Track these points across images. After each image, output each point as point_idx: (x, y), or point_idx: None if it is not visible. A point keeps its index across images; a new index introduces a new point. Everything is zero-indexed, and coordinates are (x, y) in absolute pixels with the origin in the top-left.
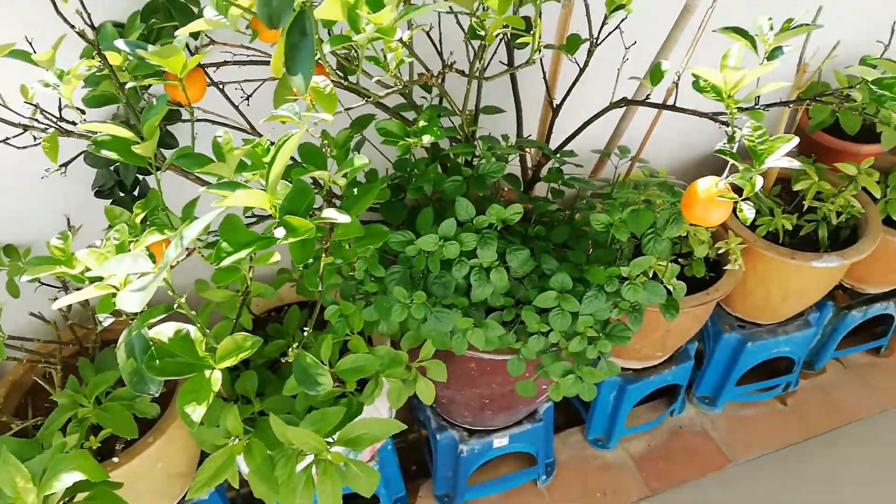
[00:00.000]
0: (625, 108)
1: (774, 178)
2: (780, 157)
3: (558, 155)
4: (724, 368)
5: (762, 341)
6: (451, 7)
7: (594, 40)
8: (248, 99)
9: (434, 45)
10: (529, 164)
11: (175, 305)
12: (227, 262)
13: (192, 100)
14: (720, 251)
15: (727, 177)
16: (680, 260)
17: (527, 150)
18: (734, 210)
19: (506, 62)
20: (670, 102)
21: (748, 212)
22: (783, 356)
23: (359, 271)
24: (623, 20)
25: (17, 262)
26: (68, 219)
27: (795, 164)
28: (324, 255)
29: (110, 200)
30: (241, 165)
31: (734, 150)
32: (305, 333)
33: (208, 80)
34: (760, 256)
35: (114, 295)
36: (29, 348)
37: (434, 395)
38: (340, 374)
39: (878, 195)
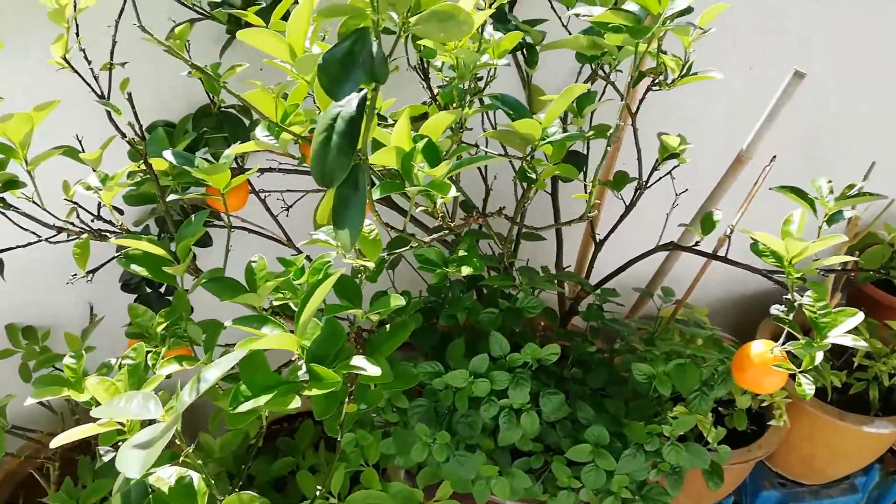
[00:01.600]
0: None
1: None
2: (843, 333)
3: (599, 292)
4: None
5: (805, 503)
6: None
7: (643, 183)
8: (288, 210)
9: (480, 173)
10: (567, 295)
11: (181, 457)
12: (244, 408)
13: (233, 209)
14: (763, 403)
15: (783, 343)
16: (720, 409)
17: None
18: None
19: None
20: (721, 253)
21: (807, 387)
22: None
23: (382, 401)
24: (675, 167)
25: (34, 345)
26: (91, 307)
27: (861, 343)
28: (347, 400)
29: (136, 295)
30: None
31: (790, 317)
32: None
33: (250, 189)
34: (807, 413)
35: (119, 433)
36: (31, 437)
37: None
38: None
39: None
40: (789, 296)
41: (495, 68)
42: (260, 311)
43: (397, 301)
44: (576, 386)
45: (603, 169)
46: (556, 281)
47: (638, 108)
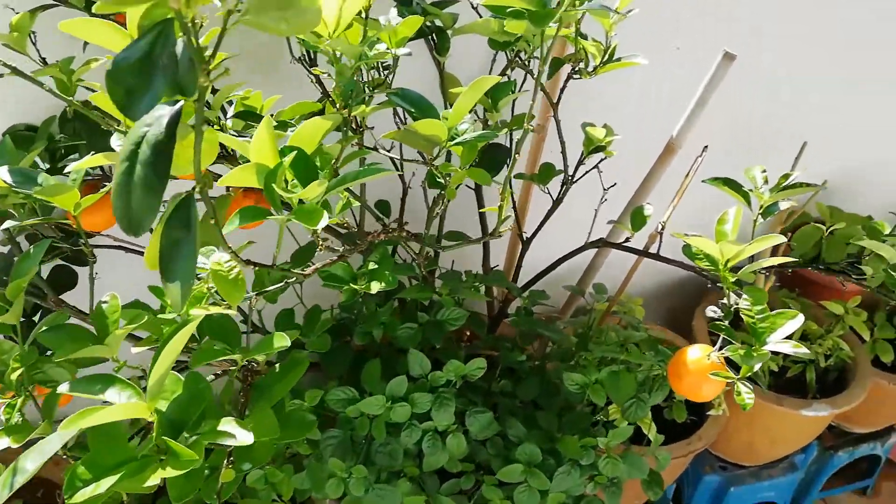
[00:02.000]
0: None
1: None
2: (783, 339)
3: (527, 295)
4: None
5: (746, 486)
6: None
7: (569, 178)
8: None
9: (396, 167)
10: (496, 297)
11: None
12: (81, 496)
13: (99, 228)
14: None
15: (720, 348)
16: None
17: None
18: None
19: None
20: (653, 249)
21: (747, 396)
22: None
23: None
24: (602, 160)
25: None
26: None
27: (802, 349)
28: (224, 466)
29: None
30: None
31: (726, 317)
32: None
33: None
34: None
35: None
36: None
37: None
38: None
39: (866, 337)
40: (725, 300)
41: (396, 58)
42: (116, 364)
43: (281, 342)
44: (505, 399)
45: (528, 162)
46: (482, 288)
47: (559, 98)
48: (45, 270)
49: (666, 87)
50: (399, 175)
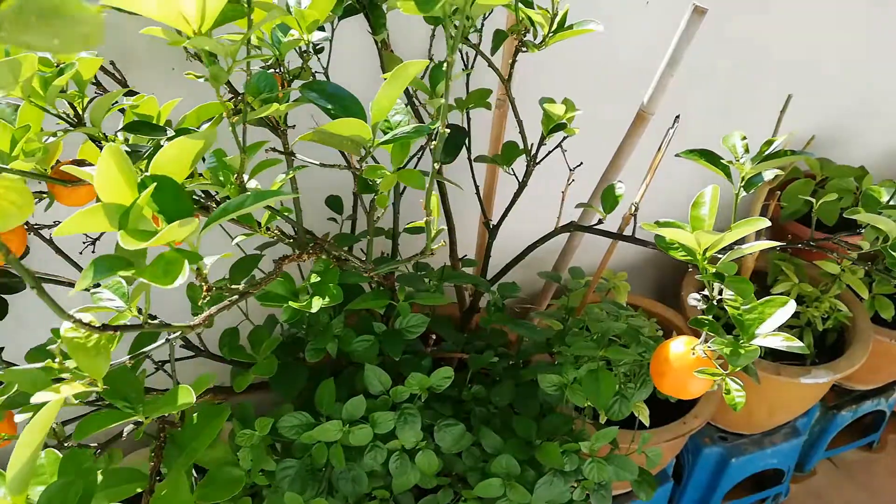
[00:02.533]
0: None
1: (749, 274)
2: (773, 331)
3: (496, 289)
4: (706, 486)
5: (747, 455)
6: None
7: (531, 160)
8: (94, 243)
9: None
10: (466, 291)
11: None
12: None
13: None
14: None
15: (706, 340)
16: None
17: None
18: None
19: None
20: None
21: (737, 395)
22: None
23: (244, 460)
24: (564, 139)
25: None
26: None
27: (797, 342)
28: None
29: None
30: None
31: (709, 311)
32: None
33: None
34: (740, 371)
35: None
36: None
37: None
38: None
39: (864, 295)
40: (706, 292)
41: (310, 45)
42: None
43: (186, 398)
44: (479, 407)
45: (490, 142)
46: (445, 287)
47: (510, 75)
48: None
49: (638, 50)
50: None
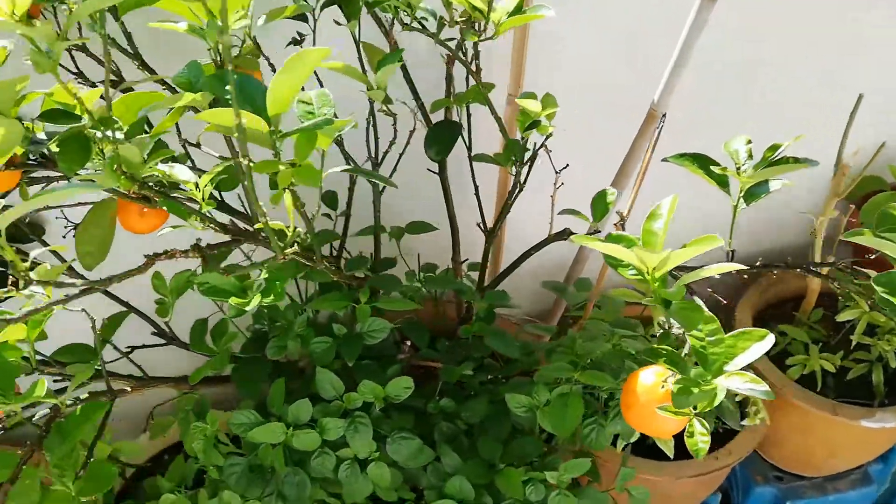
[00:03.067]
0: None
1: (814, 300)
2: (742, 367)
3: (485, 298)
4: None
5: (805, 500)
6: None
7: (518, 159)
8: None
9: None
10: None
11: None
12: None
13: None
14: (738, 397)
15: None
16: None
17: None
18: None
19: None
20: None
21: (700, 441)
22: None
23: (199, 453)
24: (548, 137)
25: None
26: None
27: (761, 387)
28: None
29: None
30: None
31: (662, 339)
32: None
33: None
34: (793, 407)
35: None
36: None
37: None
38: None
39: None
40: (662, 320)
41: (248, 33)
42: None
43: (40, 391)
44: (445, 422)
45: (502, 141)
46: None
47: (478, 68)
48: None
49: (649, 43)
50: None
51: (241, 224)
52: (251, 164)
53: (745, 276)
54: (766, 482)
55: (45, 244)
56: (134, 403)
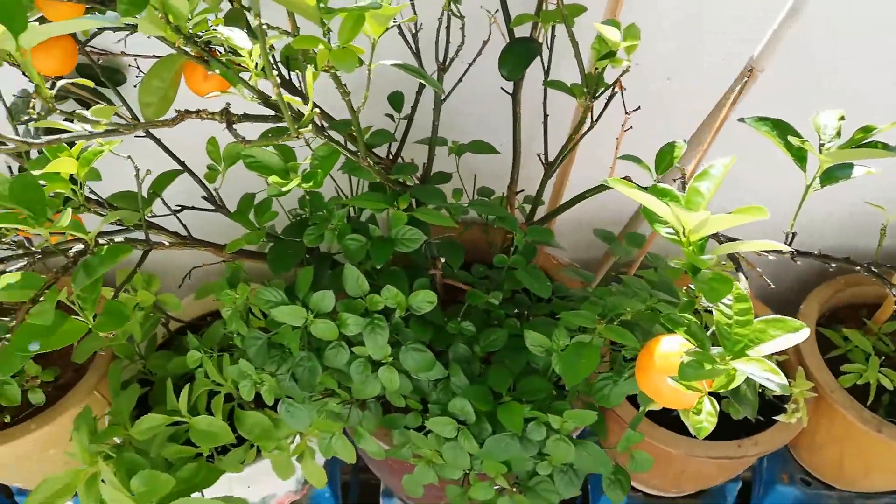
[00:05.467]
0: None
1: (891, 310)
2: (766, 355)
3: (526, 233)
4: None
5: None
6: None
7: (591, 91)
8: None
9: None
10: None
11: None
12: None
13: (52, 72)
14: (777, 393)
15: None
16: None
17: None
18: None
19: (509, 91)
20: None
21: (706, 420)
22: None
23: (226, 317)
24: (623, 73)
25: None
26: None
27: (777, 379)
28: None
29: None
30: None
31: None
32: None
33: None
34: (837, 414)
35: None
36: None
37: (324, 480)
38: (192, 434)
39: None
40: (690, 288)
41: None
42: None
43: (64, 220)
44: (462, 345)
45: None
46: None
47: None
48: None
49: None
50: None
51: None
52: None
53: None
54: (791, 483)
55: (117, 93)
56: (181, 263)
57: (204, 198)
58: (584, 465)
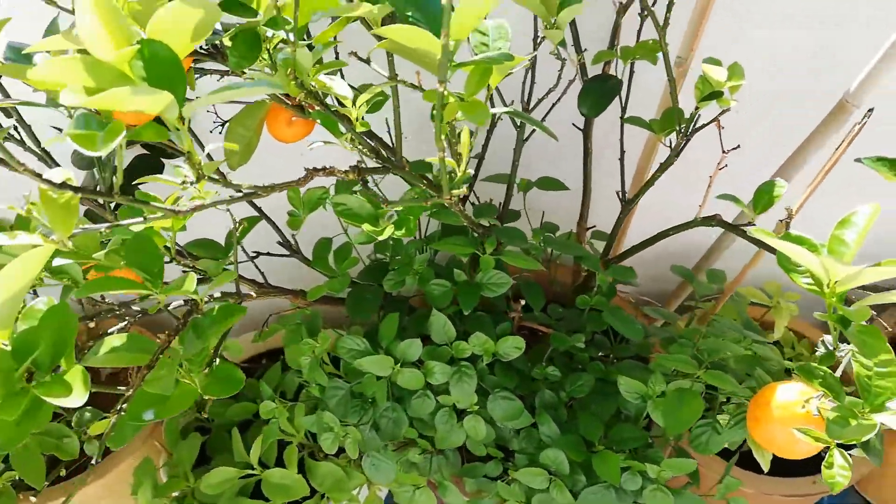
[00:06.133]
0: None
1: None
2: None
3: (608, 271)
4: None
5: None
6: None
7: (684, 130)
8: (223, 126)
9: None
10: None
11: None
12: None
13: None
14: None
15: (822, 396)
16: None
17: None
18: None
19: (580, 127)
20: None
21: (839, 474)
22: None
23: (304, 367)
24: (723, 112)
25: None
26: None
27: None
28: (114, 412)
29: None
30: None
31: (825, 360)
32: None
33: None
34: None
35: None
36: None
37: None
38: (265, 488)
39: None
40: (828, 338)
41: None
42: None
43: (189, 285)
44: (548, 391)
45: (660, 105)
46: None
47: (665, 21)
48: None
49: (846, 29)
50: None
51: (384, 152)
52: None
53: None
54: None
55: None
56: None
57: (279, 243)
58: None
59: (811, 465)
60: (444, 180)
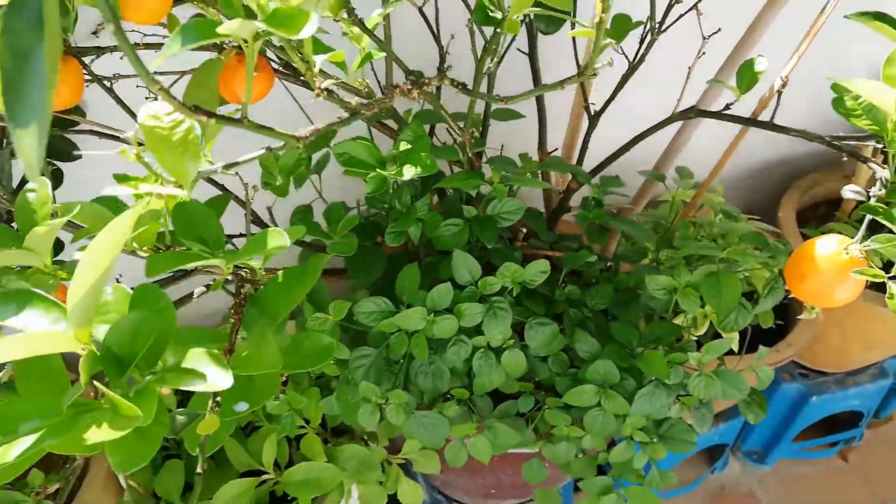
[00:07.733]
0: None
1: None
2: None
3: (598, 182)
4: (779, 423)
5: (828, 394)
6: None
7: (655, 25)
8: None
9: (431, 30)
10: (555, 188)
11: None
12: None
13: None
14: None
15: (862, 239)
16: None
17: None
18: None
19: (526, 50)
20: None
21: None
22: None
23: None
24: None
25: None
26: None
27: None
28: (208, 409)
29: None
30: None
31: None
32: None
33: (87, 75)
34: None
35: None
36: None
37: (422, 498)
38: (289, 489)
39: None
40: (885, 173)
41: None
42: (44, 271)
43: (278, 240)
44: (572, 309)
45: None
46: (540, 173)
47: None
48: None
49: None
50: (435, 37)
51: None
52: None
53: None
54: (791, 379)
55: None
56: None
57: (253, 222)
58: (724, 395)
59: (774, 338)
60: (597, 48)
